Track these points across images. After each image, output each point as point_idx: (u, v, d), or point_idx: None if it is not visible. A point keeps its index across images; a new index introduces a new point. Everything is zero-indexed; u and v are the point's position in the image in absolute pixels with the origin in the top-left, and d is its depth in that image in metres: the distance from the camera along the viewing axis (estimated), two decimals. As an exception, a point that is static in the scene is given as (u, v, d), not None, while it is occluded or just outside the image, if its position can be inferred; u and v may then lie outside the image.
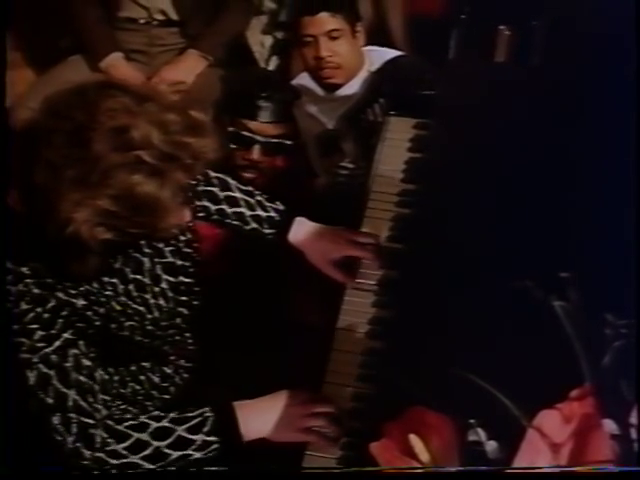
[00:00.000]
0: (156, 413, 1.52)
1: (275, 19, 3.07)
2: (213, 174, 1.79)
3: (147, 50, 2.89)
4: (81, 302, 1.49)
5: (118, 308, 1.54)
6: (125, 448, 1.46)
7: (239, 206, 1.78)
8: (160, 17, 2.89)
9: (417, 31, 2.85)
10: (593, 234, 1.44)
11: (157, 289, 1.62)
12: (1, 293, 1.45)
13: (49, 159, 1.34)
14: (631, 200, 1.42)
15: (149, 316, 1.59)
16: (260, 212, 1.78)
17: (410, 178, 1.81)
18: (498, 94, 1.71)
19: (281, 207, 1.79)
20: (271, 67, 3.02)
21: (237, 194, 1.79)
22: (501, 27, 1.88)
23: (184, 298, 1.66)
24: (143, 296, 1.59)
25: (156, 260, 1.62)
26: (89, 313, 1.50)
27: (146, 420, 1.49)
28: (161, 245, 1.62)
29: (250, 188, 1.82)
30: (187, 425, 1.48)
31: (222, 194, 1.78)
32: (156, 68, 2.85)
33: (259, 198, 1.80)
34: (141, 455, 1.47)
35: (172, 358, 1.70)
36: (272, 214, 1.78)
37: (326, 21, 2.44)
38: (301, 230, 1.76)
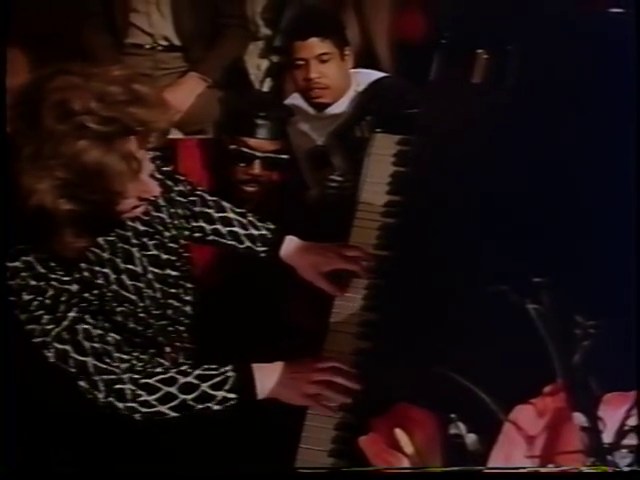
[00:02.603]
0: (184, 368, 1.56)
1: (270, 44, 3.07)
2: (208, 197, 1.79)
3: (151, 73, 2.89)
4: (75, 287, 1.50)
5: (109, 295, 1.55)
6: (155, 399, 1.52)
7: (233, 226, 1.78)
8: (164, 43, 2.90)
9: (401, 54, 2.85)
10: (564, 243, 1.44)
11: (146, 279, 1.62)
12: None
13: (16, 144, 1.36)
14: (601, 213, 1.43)
15: (141, 304, 1.60)
16: (253, 231, 1.78)
17: (395, 190, 1.81)
18: (475, 112, 1.71)
19: (272, 226, 1.79)
20: (265, 88, 3.03)
21: (231, 215, 1.79)
22: (479, 51, 1.88)
23: (173, 290, 1.66)
24: (136, 284, 1.60)
25: (143, 252, 1.62)
26: (86, 295, 1.51)
27: (175, 375, 1.54)
28: (145, 239, 1.62)
29: (243, 210, 1.82)
30: (211, 382, 1.53)
31: (217, 215, 1.78)
32: (159, 89, 2.85)
33: (251, 218, 1.80)
34: (168, 406, 1.52)
35: (168, 350, 1.69)
36: (264, 232, 1.78)
37: (316, 45, 2.44)
38: (291, 247, 1.75)
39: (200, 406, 1.53)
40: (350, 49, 2.54)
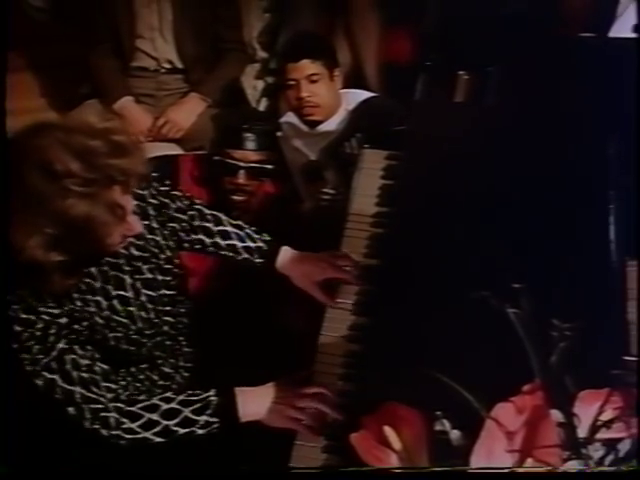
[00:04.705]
0: (167, 394, 1.53)
1: (266, 66, 3.08)
2: (207, 211, 1.77)
3: (155, 94, 2.90)
4: (64, 320, 1.47)
5: (101, 322, 1.52)
6: (139, 426, 1.49)
7: (231, 238, 1.76)
8: (167, 66, 2.90)
9: (389, 75, 2.87)
10: (542, 252, 1.44)
11: (138, 302, 1.59)
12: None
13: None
14: (576, 224, 1.44)
15: (133, 327, 1.57)
16: (250, 243, 1.76)
17: (383, 202, 1.81)
18: (458, 129, 1.72)
19: (268, 238, 1.78)
20: (262, 107, 3.04)
21: (229, 228, 1.77)
22: (461, 72, 1.90)
23: (168, 308, 1.64)
24: (127, 309, 1.57)
25: (136, 277, 1.59)
26: (75, 327, 1.49)
27: (157, 402, 1.51)
28: (139, 263, 1.60)
29: (240, 222, 1.80)
30: (193, 407, 1.50)
31: (216, 228, 1.76)
32: (162, 109, 2.86)
33: (248, 231, 1.78)
34: (152, 431, 1.49)
35: (170, 360, 1.68)
36: (260, 244, 1.76)
37: (307, 67, 2.45)
38: (287, 257, 1.74)
39: (183, 430, 1.49)
40: (340, 70, 2.55)
